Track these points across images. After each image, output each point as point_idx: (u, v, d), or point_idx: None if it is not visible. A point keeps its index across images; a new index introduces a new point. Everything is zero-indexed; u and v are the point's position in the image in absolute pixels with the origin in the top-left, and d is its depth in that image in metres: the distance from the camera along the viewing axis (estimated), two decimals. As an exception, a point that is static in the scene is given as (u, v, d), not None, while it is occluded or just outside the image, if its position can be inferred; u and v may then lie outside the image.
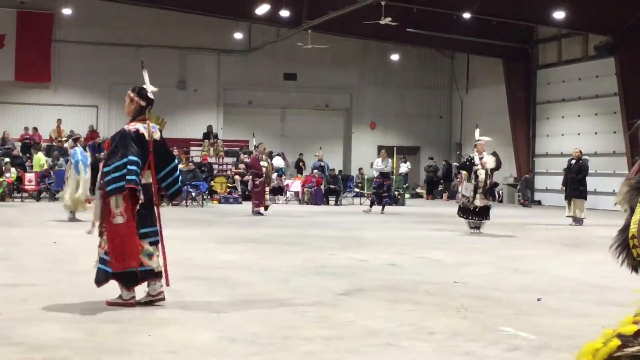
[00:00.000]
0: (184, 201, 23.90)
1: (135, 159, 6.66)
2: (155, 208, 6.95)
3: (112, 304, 6.69)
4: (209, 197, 25.76)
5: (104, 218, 6.74)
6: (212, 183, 27.21)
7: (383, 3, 23.19)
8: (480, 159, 15.46)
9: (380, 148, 25.75)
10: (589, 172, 19.49)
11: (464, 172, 16.22)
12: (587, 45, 27.08)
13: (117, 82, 27.95)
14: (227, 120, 33.15)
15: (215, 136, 31.62)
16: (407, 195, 28.87)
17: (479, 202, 15.30)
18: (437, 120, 35.46)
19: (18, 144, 28.31)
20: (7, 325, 5.87)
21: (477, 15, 24.95)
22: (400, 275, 9.25)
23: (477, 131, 16.24)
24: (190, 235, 13.74)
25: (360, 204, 26.30)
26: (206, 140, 31.05)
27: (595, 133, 26.62)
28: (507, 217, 20.12)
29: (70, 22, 30.48)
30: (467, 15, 25.05)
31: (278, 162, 28.93)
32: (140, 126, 6.88)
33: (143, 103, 6.99)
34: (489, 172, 15.57)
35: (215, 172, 28.97)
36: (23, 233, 13.74)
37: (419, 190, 33.61)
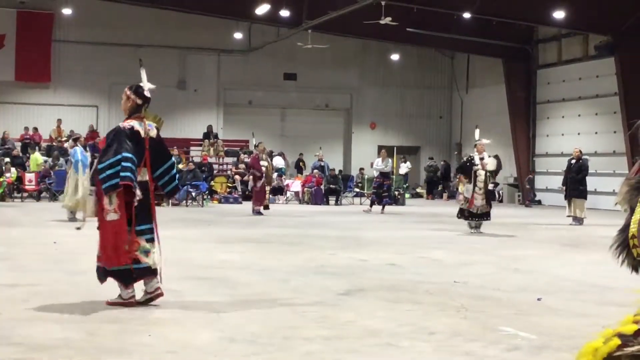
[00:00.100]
0: (184, 201, 23.91)
1: (129, 155, 6.64)
2: (150, 205, 6.95)
3: (112, 304, 6.69)
4: (209, 197, 25.76)
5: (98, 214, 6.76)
6: (212, 183, 27.22)
7: (383, 3, 23.19)
8: (481, 159, 15.46)
9: (380, 148, 25.74)
10: (589, 171, 19.50)
11: (462, 177, 16.19)
12: (587, 45, 27.08)
13: (117, 82, 27.85)
14: (227, 120, 33.15)
15: (215, 136, 31.62)
16: (407, 195, 28.88)
17: (479, 202, 15.30)
18: (437, 120, 35.45)
19: (18, 144, 28.32)
20: (7, 325, 5.87)
21: (477, 15, 24.94)
22: (400, 275, 9.25)
23: (477, 132, 16.23)
24: (190, 235, 13.74)
25: (361, 204, 26.31)
26: (206, 140, 31.06)
27: (596, 133, 26.62)
28: (507, 217, 20.11)
29: (70, 22, 30.48)
30: (467, 15, 25.04)
31: (278, 162, 28.94)
32: (135, 123, 6.88)
33: (139, 101, 6.99)
34: (489, 173, 15.58)
35: (215, 172, 28.97)
36: (23, 233, 13.74)
37: (419, 190, 33.61)
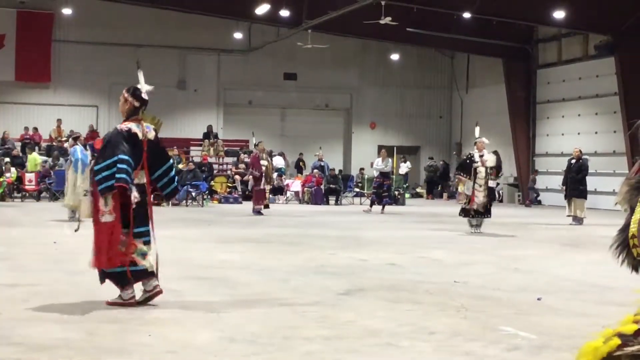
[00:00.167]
0: (184, 201, 23.91)
1: (125, 157, 6.64)
2: (148, 207, 6.95)
3: (112, 304, 6.70)
4: (209, 197, 25.76)
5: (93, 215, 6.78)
6: (212, 183, 27.22)
7: (383, 3, 23.18)
8: (481, 156, 15.45)
9: (380, 148, 25.74)
10: (589, 171, 19.50)
11: (461, 177, 16.16)
12: (587, 44, 27.07)
13: (117, 82, 27.82)
14: (227, 120, 33.15)
15: (215, 136, 31.62)
16: (407, 195, 28.88)
17: (480, 199, 15.29)
18: (437, 120, 35.45)
19: (18, 144, 28.31)
20: (7, 325, 5.87)
21: (477, 15, 24.93)
22: (400, 275, 9.25)
23: (477, 129, 16.24)
24: (190, 235, 13.75)
25: (361, 204, 26.31)
26: (206, 140, 31.05)
27: (596, 133, 26.62)
28: (507, 217, 20.12)
29: (70, 22, 30.48)
30: (467, 15, 25.03)
31: (278, 161, 28.94)
32: (133, 125, 6.88)
33: (137, 103, 6.99)
34: (489, 170, 15.57)
35: (215, 172, 28.97)
36: (23, 233, 13.74)
37: (419, 190, 33.62)
